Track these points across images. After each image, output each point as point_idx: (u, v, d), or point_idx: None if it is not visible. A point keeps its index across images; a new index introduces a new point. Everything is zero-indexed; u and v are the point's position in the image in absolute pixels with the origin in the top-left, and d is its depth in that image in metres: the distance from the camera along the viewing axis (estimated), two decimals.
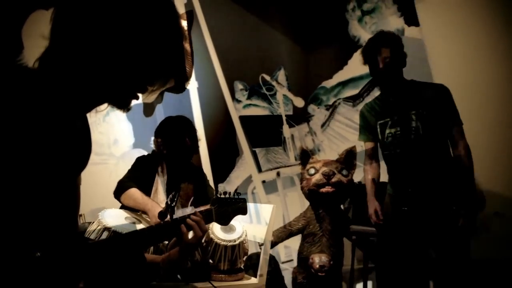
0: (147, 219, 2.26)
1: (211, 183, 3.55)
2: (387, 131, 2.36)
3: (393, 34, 2.37)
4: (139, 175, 2.36)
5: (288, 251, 3.75)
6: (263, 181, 4.02)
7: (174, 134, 2.48)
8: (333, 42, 4.04)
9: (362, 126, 2.56)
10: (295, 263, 3.04)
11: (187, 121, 2.58)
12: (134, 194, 2.22)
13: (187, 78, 3.51)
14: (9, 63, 0.93)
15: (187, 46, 3.37)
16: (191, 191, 2.50)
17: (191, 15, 3.50)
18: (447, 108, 2.29)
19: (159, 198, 2.35)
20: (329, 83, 4.16)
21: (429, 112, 2.28)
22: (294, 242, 3.58)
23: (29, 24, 2.86)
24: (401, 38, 2.38)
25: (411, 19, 3.56)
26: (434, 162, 2.28)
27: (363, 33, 3.93)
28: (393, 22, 3.71)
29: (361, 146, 3.59)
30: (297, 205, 3.61)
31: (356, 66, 3.89)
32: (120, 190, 2.28)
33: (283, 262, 3.64)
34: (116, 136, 3.26)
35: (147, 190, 2.35)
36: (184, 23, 3.35)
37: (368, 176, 2.49)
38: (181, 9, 3.52)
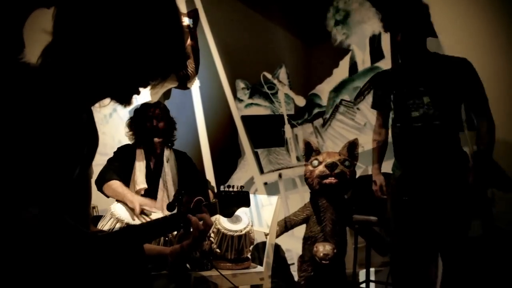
0: (156, 210, 2.50)
1: (213, 184, 3.73)
2: (401, 102, 2.41)
3: (419, 2, 2.36)
4: (118, 165, 2.64)
5: (290, 255, 3.88)
6: (265, 183, 4.16)
7: (134, 123, 2.78)
8: (334, 39, 4.22)
9: (375, 93, 2.64)
10: (295, 267, 3.24)
11: (153, 108, 2.78)
12: (114, 184, 2.50)
13: (188, 76, 3.69)
14: (12, 61, 1.01)
15: (193, 44, 3.58)
16: (175, 176, 2.76)
17: (196, 14, 3.69)
18: (468, 83, 2.32)
19: (138, 181, 2.62)
20: (322, 89, 4.38)
21: (446, 87, 2.31)
22: (296, 245, 3.75)
23: (31, 22, 3.01)
24: (428, 6, 2.36)
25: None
26: (444, 141, 2.33)
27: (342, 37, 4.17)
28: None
29: (362, 147, 3.78)
30: (298, 207, 3.78)
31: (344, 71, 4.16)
32: (102, 181, 2.53)
33: None
34: (120, 137, 3.43)
35: (128, 176, 2.63)
36: (189, 21, 3.55)
37: (375, 151, 2.60)
38: (182, 7, 3.67)
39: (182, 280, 2.24)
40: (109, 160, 2.68)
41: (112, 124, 3.45)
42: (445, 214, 2.32)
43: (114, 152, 2.76)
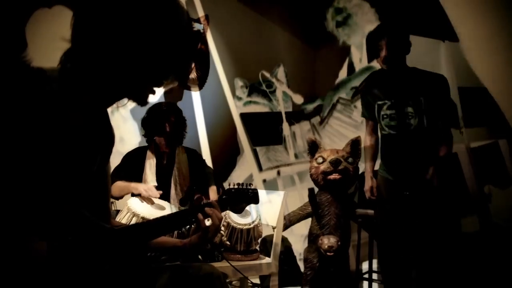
0: (170, 204, 2.66)
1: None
2: (383, 112, 2.73)
3: (396, 26, 2.71)
4: (124, 169, 2.81)
5: None
6: (264, 180, 4.31)
7: (150, 123, 2.91)
8: (332, 39, 4.41)
9: (363, 104, 2.94)
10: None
11: (167, 108, 2.93)
12: (117, 184, 2.71)
13: (187, 77, 3.82)
14: (18, 62, 1.06)
15: (203, 48, 3.74)
16: (187, 171, 2.92)
17: (206, 19, 3.86)
18: (442, 100, 2.62)
19: (148, 179, 2.80)
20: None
21: (425, 100, 2.59)
22: (295, 243, 3.89)
23: (33, 22, 3.06)
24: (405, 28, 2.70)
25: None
26: (425, 149, 2.61)
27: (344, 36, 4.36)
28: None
29: None
30: (297, 204, 3.90)
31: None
32: None
33: None
34: (121, 134, 3.55)
35: (139, 176, 2.80)
36: (200, 27, 3.70)
37: (367, 154, 2.90)
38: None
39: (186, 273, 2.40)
40: (116, 167, 2.83)
41: (114, 122, 3.56)
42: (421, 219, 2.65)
43: (122, 160, 2.90)
